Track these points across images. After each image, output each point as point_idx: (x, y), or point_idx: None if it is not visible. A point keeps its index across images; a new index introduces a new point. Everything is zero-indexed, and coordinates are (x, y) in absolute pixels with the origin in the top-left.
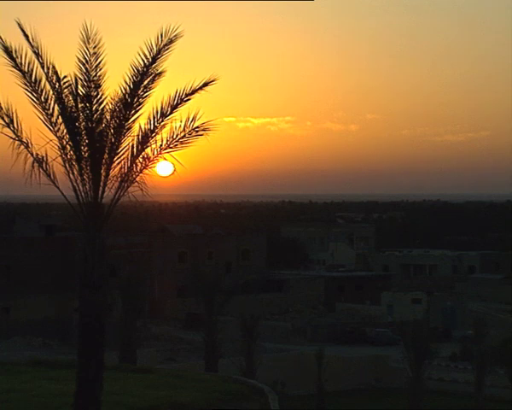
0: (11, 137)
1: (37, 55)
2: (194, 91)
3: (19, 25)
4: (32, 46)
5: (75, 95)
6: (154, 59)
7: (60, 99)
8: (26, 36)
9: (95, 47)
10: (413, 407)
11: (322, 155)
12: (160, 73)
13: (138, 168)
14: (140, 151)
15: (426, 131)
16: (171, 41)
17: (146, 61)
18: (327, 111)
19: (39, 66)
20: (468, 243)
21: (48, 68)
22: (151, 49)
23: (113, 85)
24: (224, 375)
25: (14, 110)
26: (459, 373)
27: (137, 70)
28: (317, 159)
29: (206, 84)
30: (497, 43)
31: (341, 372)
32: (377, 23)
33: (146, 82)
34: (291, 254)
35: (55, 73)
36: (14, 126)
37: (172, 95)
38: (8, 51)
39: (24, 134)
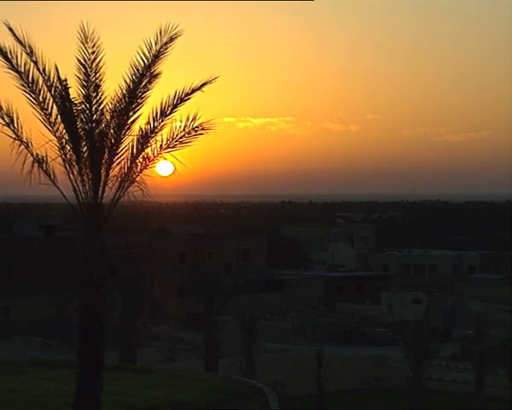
0: (11, 137)
1: (31, 56)
2: (193, 91)
3: (9, 28)
4: (25, 48)
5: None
6: (154, 58)
7: (58, 100)
8: (18, 39)
9: (93, 46)
10: (413, 407)
11: (322, 155)
12: (158, 74)
13: (138, 168)
14: (140, 151)
15: (426, 132)
16: (170, 39)
17: (145, 60)
18: (327, 111)
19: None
20: (468, 243)
21: (44, 70)
22: (150, 49)
23: (112, 85)
24: (224, 375)
25: (14, 110)
26: (459, 373)
27: (137, 70)
28: (317, 159)
29: (205, 84)
30: (498, 44)
31: (341, 372)
32: (378, 24)
33: (145, 82)
34: (291, 254)
35: (55, 74)
36: (14, 126)
37: (172, 94)
38: (3, 53)
39: (24, 134)
